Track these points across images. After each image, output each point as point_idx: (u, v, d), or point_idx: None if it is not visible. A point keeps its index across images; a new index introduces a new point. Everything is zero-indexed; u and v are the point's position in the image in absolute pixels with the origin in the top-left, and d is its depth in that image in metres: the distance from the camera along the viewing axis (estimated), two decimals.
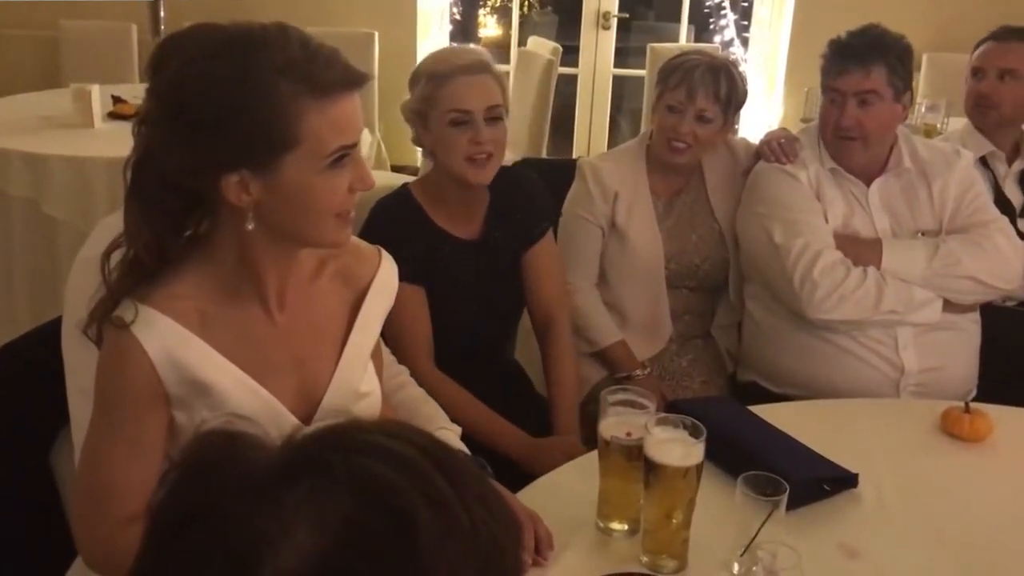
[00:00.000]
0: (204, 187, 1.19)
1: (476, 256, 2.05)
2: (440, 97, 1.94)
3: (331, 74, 1.17)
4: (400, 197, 2.04)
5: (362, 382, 1.41)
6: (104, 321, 1.21)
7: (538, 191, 2.19)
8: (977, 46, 2.85)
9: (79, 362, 1.40)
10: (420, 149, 2.10)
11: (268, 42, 1.15)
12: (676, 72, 2.30)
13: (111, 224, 1.35)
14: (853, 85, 2.20)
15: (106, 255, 1.21)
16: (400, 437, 0.65)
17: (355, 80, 1.19)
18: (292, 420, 1.31)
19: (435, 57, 2.04)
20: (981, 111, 2.79)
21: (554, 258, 2.19)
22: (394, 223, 1.96)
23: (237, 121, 1.14)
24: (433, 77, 1.94)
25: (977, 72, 2.80)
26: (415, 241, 1.96)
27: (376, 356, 1.47)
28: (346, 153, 1.20)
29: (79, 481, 1.29)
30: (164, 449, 1.26)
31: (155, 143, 1.18)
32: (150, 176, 1.18)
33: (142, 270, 1.21)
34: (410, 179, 2.20)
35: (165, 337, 1.20)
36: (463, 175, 1.96)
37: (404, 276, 1.89)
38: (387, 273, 1.44)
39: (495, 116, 1.94)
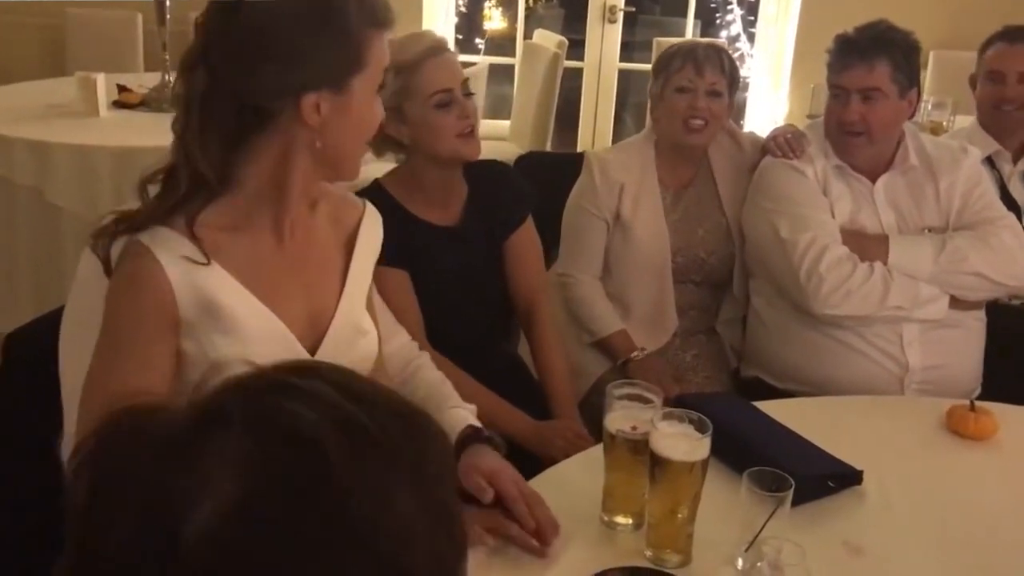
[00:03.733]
0: (284, 107, 1.27)
1: (455, 242, 2.04)
2: (416, 85, 1.93)
3: (383, 10, 1.33)
4: (373, 190, 2.02)
5: (363, 319, 1.49)
6: (122, 242, 1.25)
7: (515, 180, 2.20)
8: (985, 47, 2.83)
9: (74, 354, 1.40)
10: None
11: None
12: (677, 56, 2.33)
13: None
14: (856, 81, 2.19)
15: (143, 184, 1.29)
16: (307, 373, 0.65)
17: (393, 18, 1.35)
18: (300, 347, 1.36)
19: (397, 48, 2.03)
20: (1002, 114, 2.77)
21: (534, 245, 2.19)
22: None
23: (321, 45, 1.26)
24: (402, 69, 1.91)
25: (995, 75, 2.77)
26: (393, 230, 1.93)
27: (370, 309, 1.53)
28: (383, 81, 1.36)
29: (82, 402, 1.27)
30: (169, 381, 1.27)
31: (229, 72, 1.25)
32: (220, 103, 1.26)
33: (203, 192, 1.27)
34: (379, 175, 2.18)
35: (183, 259, 1.25)
36: (457, 153, 1.96)
37: (387, 260, 1.90)
38: (373, 219, 1.53)
39: (467, 91, 1.98)
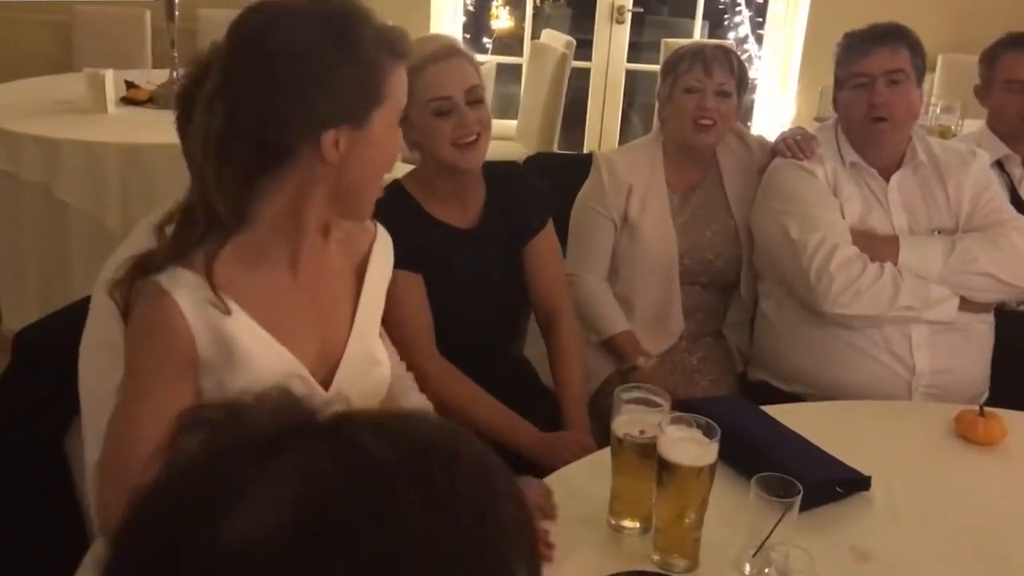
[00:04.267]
0: (303, 144, 1.27)
1: (474, 244, 2.04)
2: (416, 90, 1.90)
3: (401, 42, 1.34)
4: (392, 191, 2.01)
5: (375, 348, 1.48)
6: (139, 284, 1.25)
7: (535, 184, 2.19)
8: (993, 55, 2.82)
9: (98, 373, 1.40)
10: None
11: (357, 13, 1.30)
12: (686, 57, 2.34)
13: (150, 225, 1.35)
14: (883, 64, 2.21)
15: (161, 227, 1.28)
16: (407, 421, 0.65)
17: (411, 49, 1.38)
18: (314, 383, 1.36)
19: None
20: None
21: (554, 251, 2.19)
22: (388, 215, 1.95)
23: (341, 80, 1.26)
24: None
25: (1019, 85, 2.76)
26: (410, 231, 1.94)
27: (382, 334, 1.53)
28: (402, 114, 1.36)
29: (104, 450, 1.29)
30: None
31: (248, 110, 1.24)
32: (238, 141, 1.25)
33: (219, 230, 1.27)
34: (400, 176, 2.19)
35: (199, 297, 1.25)
36: (452, 161, 1.95)
37: (401, 264, 1.90)
38: (384, 241, 1.53)
39: (476, 99, 1.93)
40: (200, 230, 1.26)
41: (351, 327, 1.44)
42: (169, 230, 1.28)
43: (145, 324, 1.26)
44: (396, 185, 2.04)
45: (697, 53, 2.33)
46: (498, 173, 2.09)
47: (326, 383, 1.39)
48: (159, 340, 1.25)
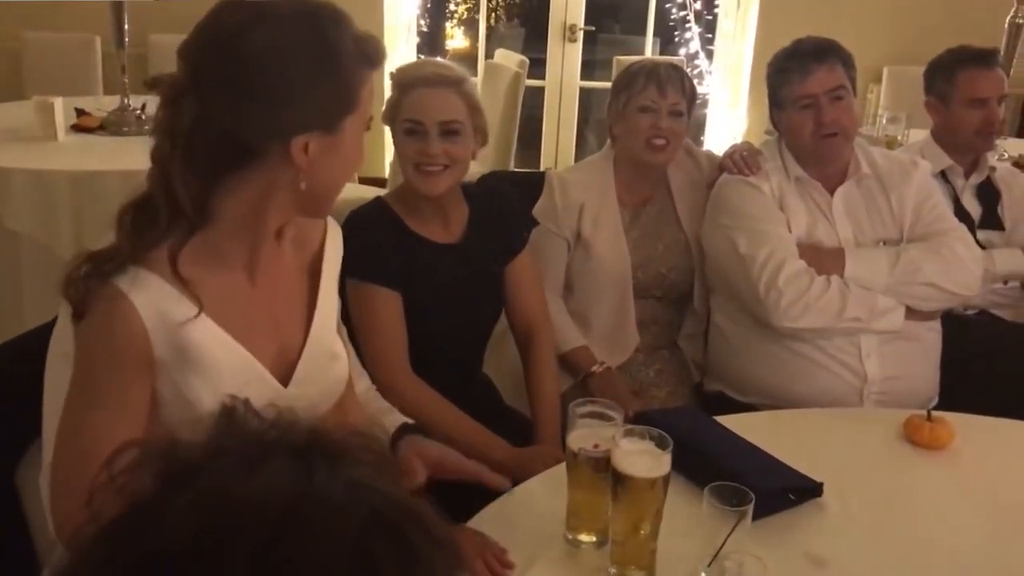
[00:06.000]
0: (272, 146, 1.25)
1: (455, 259, 2.06)
2: (400, 106, 1.99)
3: (377, 51, 1.32)
4: (374, 206, 2.05)
5: (333, 343, 1.48)
6: (95, 283, 1.22)
7: (516, 204, 2.22)
8: (950, 71, 2.83)
9: (61, 384, 1.38)
10: (387, 161, 2.11)
11: (337, 18, 1.27)
12: (639, 75, 2.36)
13: None
14: (823, 84, 2.24)
15: (121, 216, 1.25)
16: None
17: (385, 57, 1.35)
18: (274, 382, 1.36)
19: (407, 66, 2.09)
20: (987, 137, 2.82)
21: (533, 270, 2.22)
22: (369, 230, 1.97)
23: (318, 86, 1.25)
24: (399, 86, 2.00)
25: (980, 102, 2.80)
26: (392, 247, 1.97)
27: (339, 330, 1.53)
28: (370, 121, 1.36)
29: (56, 452, 1.26)
30: (145, 422, 1.26)
31: (219, 106, 1.22)
32: (206, 136, 1.22)
33: (183, 225, 1.25)
34: (382, 192, 2.21)
35: (157, 298, 1.23)
36: (412, 183, 1.99)
37: (380, 280, 1.93)
38: (335, 233, 1.52)
39: (451, 131, 1.96)
40: (162, 228, 1.24)
41: (308, 323, 1.43)
42: (127, 221, 1.25)
43: (101, 326, 1.23)
44: (379, 201, 2.06)
45: (651, 72, 2.35)
46: (480, 192, 2.13)
47: (285, 380, 1.38)
48: (112, 342, 1.23)
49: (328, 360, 1.46)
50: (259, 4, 1.25)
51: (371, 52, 1.30)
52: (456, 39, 7.46)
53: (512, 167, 4.77)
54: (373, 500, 0.60)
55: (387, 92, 2.05)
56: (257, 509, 0.57)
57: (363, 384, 1.79)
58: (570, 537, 1.50)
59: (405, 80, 1.99)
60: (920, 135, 3.12)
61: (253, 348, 1.33)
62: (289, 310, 1.42)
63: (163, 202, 1.23)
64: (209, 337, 1.28)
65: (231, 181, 1.27)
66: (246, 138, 1.25)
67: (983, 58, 2.84)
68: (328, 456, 0.62)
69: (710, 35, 6.00)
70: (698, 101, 2.50)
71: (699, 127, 5.77)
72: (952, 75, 2.84)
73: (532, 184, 2.52)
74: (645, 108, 2.33)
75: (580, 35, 5.75)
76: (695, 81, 2.46)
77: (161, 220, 1.24)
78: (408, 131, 1.97)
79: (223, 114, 1.23)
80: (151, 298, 1.22)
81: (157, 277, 1.23)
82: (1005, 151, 3.89)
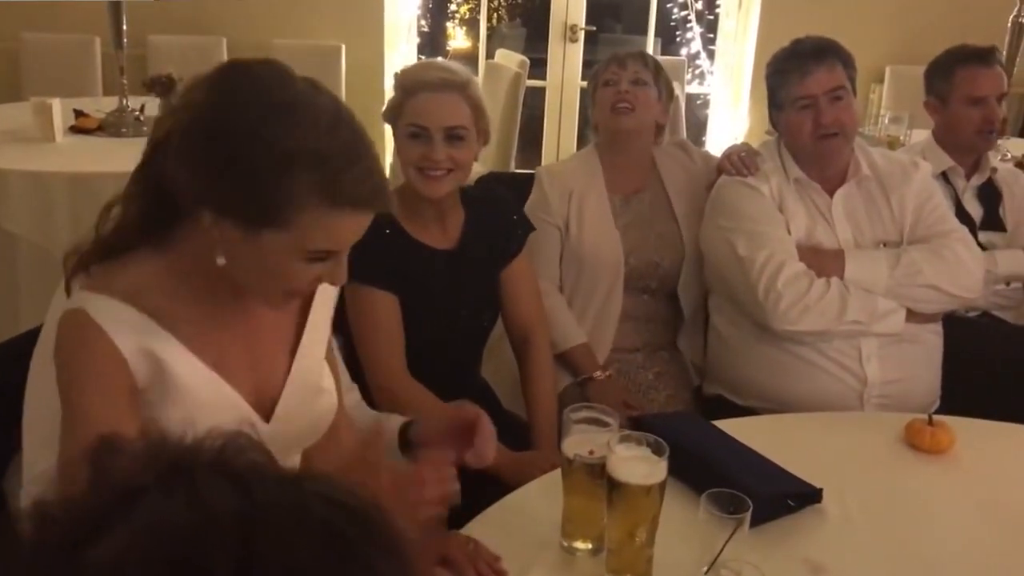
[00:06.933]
0: (185, 203, 1.21)
1: (451, 264, 2.05)
2: (404, 109, 1.98)
3: (354, 188, 1.19)
4: None
5: (321, 376, 1.44)
6: (66, 313, 1.22)
7: (513, 209, 2.22)
8: (948, 70, 2.82)
9: (43, 393, 1.37)
10: (387, 161, 2.10)
11: (317, 124, 1.17)
12: (605, 61, 2.50)
13: None
14: (823, 84, 2.23)
15: (107, 208, 1.26)
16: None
17: (378, 203, 1.23)
18: (253, 415, 1.33)
19: (411, 68, 2.08)
20: (987, 136, 2.80)
21: (530, 274, 2.22)
22: (368, 233, 1.95)
23: (243, 179, 1.16)
24: (402, 88, 1.99)
25: (979, 100, 2.78)
26: (388, 250, 1.96)
27: (330, 359, 1.49)
28: (330, 255, 1.24)
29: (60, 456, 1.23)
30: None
31: (172, 142, 1.20)
32: (159, 160, 1.22)
33: (142, 228, 1.25)
34: None
35: (135, 331, 1.22)
36: (415, 185, 1.98)
37: (375, 282, 1.91)
38: None
39: (456, 135, 1.95)
40: (135, 230, 1.24)
41: (292, 356, 1.40)
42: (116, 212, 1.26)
43: (75, 349, 1.22)
44: None
45: (615, 55, 2.48)
46: (477, 197, 2.13)
47: (267, 414, 1.36)
48: (94, 361, 1.21)
49: (313, 395, 1.43)
50: (261, 78, 1.20)
51: (337, 185, 1.17)
52: (457, 39, 7.46)
53: (513, 167, 4.76)
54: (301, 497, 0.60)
55: (387, 92, 2.03)
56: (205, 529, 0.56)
57: (352, 398, 1.78)
58: (565, 544, 1.48)
59: (409, 83, 1.97)
60: (923, 135, 3.10)
61: (229, 377, 1.30)
62: (271, 347, 1.39)
63: (131, 213, 1.25)
64: (184, 365, 1.25)
65: (184, 223, 1.25)
66: (173, 189, 1.21)
67: (981, 56, 2.82)
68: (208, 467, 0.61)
69: (711, 35, 5.98)
70: (699, 101, 2.51)
71: (700, 127, 5.75)
72: (950, 74, 2.83)
73: (527, 184, 2.53)
74: (608, 82, 2.45)
75: (581, 35, 5.73)
76: (696, 81, 2.47)
77: (128, 228, 1.25)
78: (412, 135, 1.96)
79: (168, 150, 1.20)
80: (128, 329, 1.21)
81: (128, 307, 1.22)
82: (1008, 151, 3.87)
